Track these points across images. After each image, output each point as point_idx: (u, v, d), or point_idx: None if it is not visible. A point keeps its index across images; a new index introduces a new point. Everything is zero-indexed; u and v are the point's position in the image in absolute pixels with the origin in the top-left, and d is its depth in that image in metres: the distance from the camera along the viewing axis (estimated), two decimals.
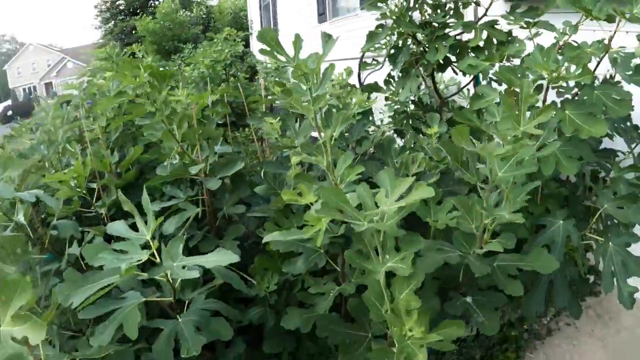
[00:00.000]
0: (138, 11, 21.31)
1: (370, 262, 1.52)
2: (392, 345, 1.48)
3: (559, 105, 1.96)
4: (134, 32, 18.93)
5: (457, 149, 1.71)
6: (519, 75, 1.97)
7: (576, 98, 2.01)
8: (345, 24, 7.80)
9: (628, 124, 2.31)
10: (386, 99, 3.31)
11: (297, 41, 1.68)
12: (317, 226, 1.50)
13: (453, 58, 2.94)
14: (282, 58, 1.67)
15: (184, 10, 17.50)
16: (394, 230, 1.46)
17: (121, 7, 23.49)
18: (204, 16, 17.38)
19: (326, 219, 1.50)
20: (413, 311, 1.38)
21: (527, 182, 1.66)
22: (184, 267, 1.55)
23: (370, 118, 2.83)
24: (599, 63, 2.04)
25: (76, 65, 36.83)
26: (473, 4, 3.09)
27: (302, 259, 1.83)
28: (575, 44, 2.07)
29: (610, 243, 1.90)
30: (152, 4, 22.77)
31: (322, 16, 8.94)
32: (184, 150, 2.38)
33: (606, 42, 1.98)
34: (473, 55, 2.74)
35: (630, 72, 1.94)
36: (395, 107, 3.28)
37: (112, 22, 23.33)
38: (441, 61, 2.89)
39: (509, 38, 2.66)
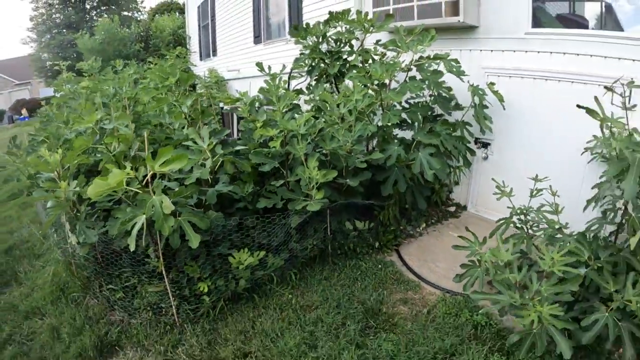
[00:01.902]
0: (74, 25, 21.89)
1: (300, 167, 3.60)
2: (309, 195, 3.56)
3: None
4: (70, 46, 19.47)
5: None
6: (369, 76, 4.18)
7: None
8: (277, 46, 9.77)
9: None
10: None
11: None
12: (276, 142, 3.56)
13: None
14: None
15: (122, 26, 18.29)
16: (305, 143, 3.56)
17: (57, 21, 23.93)
18: (142, 33, 18.14)
19: (280, 138, 3.56)
20: (317, 174, 3.47)
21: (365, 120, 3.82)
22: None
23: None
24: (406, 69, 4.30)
25: (2, 78, 36.00)
26: (356, 39, 5.31)
27: (268, 165, 3.86)
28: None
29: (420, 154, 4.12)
30: (90, 19, 23.36)
31: (257, 38, 10.78)
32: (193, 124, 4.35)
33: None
34: (355, 70, 4.91)
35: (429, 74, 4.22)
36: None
37: (48, 35, 23.75)
38: (338, 73, 5.06)
39: (380, 58, 4.87)
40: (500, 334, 3.33)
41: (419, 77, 4.67)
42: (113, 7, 26.28)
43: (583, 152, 3.82)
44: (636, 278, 2.80)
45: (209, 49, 14.66)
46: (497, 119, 4.95)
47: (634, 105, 3.14)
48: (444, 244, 4.73)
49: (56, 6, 24.25)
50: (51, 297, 4.20)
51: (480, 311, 3.54)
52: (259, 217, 3.83)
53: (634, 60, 3.94)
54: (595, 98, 3.07)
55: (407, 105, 4.90)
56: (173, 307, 3.54)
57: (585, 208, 3.57)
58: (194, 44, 16.30)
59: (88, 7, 25.22)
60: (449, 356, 3.17)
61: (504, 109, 4.82)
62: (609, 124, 3.00)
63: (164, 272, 3.33)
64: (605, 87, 3.15)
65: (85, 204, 3.54)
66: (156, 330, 3.58)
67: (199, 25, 15.43)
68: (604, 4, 4.67)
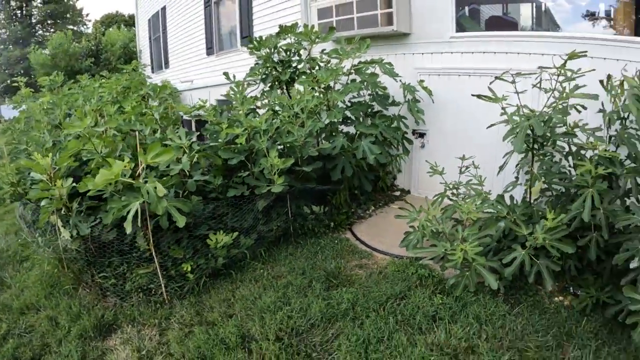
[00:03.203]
0: (21, 41, 21.60)
1: (263, 159, 4.29)
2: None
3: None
4: (18, 62, 19.25)
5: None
6: (316, 81, 4.91)
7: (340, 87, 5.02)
8: (229, 57, 10.39)
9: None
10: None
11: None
12: (241, 139, 4.24)
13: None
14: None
15: (73, 41, 18.31)
16: (266, 137, 4.26)
17: (4, 37, 23.47)
18: (93, 47, 18.29)
19: (244, 135, 4.25)
20: (278, 162, 4.17)
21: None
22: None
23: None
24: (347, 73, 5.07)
25: None
26: (304, 49, 6.06)
27: (235, 158, 4.53)
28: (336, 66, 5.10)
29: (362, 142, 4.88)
30: (38, 35, 23.02)
31: (210, 49, 11.34)
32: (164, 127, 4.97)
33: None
34: (304, 76, 5.65)
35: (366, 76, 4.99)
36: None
37: None
38: (289, 80, 5.79)
39: (325, 65, 5.62)
40: (442, 282, 4.08)
41: (358, 79, 5.48)
42: (59, 21, 25.96)
43: (489, 127, 4.55)
44: (545, 223, 3.59)
45: (160, 61, 14.98)
46: (430, 112, 5.83)
47: (525, 90, 4.03)
48: (391, 222, 5.51)
49: (1, 21, 23.77)
50: (44, 293, 4.55)
51: (420, 262, 4.34)
52: (229, 205, 4.50)
53: (542, 54, 4.84)
54: (489, 87, 3.96)
55: (349, 104, 5.70)
56: (162, 285, 4.13)
57: (498, 173, 4.35)
58: (145, 57, 16.45)
59: (34, 21, 24.82)
60: (399, 299, 3.90)
61: (433, 102, 5.71)
62: (502, 103, 3.87)
63: (154, 253, 3.93)
64: (496, 77, 4.04)
65: (76, 201, 4.08)
66: (148, 309, 4.09)
67: (150, 38, 15.66)
68: (534, 5, 5.72)
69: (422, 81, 5.67)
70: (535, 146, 4.09)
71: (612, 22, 5.07)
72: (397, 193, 6.45)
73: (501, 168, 4.24)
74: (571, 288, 3.96)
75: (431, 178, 4.57)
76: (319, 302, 3.87)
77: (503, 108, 3.93)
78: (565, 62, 3.83)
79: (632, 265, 3.22)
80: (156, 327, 3.89)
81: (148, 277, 4.21)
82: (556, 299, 3.91)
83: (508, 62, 5.08)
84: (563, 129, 4.02)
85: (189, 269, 4.18)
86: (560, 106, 3.93)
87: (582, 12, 5.34)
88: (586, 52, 3.82)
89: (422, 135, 6.12)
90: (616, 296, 3.44)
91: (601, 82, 3.94)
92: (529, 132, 3.87)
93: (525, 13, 6.12)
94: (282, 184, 4.34)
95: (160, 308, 4.11)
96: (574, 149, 3.99)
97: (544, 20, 5.70)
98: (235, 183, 4.67)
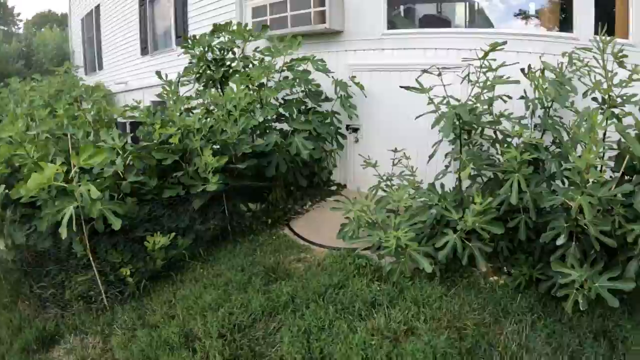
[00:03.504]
0: None
1: (197, 158, 4.32)
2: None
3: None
4: None
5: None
6: (249, 79, 4.97)
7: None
8: (164, 56, 10.20)
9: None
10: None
11: None
12: (175, 138, 4.24)
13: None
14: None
15: (3, 42, 17.39)
16: (200, 136, 4.29)
17: None
18: (24, 49, 17.53)
19: (178, 134, 4.25)
20: (212, 160, 4.21)
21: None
22: None
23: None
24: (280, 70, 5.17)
25: None
26: (238, 48, 6.09)
27: (169, 158, 4.52)
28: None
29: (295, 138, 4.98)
30: None
31: (144, 50, 11.07)
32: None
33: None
34: (237, 74, 5.68)
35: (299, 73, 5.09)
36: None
37: None
38: (223, 78, 5.81)
39: (259, 63, 5.67)
40: (379, 270, 4.20)
41: (291, 76, 5.57)
42: None
43: (417, 117, 4.49)
44: (474, 207, 3.80)
45: (94, 63, 14.44)
46: (364, 107, 6.02)
47: (450, 84, 4.25)
48: (328, 216, 5.56)
49: None
50: None
51: (356, 252, 4.47)
52: (166, 206, 4.51)
53: (470, 49, 4.89)
54: (417, 80, 4.15)
55: (283, 102, 5.79)
56: (102, 292, 4.07)
57: (428, 162, 4.51)
58: (78, 58, 15.72)
59: None
60: (338, 288, 4.00)
61: (366, 97, 5.89)
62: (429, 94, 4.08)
63: (91, 258, 3.88)
64: (423, 71, 4.25)
65: (10, 209, 3.97)
66: (90, 317, 4.03)
67: (83, 39, 15.05)
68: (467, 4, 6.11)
69: (354, 77, 5.83)
70: (465, 136, 4.33)
71: (540, 19, 5.44)
72: (334, 188, 6.58)
73: (431, 157, 4.45)
74: (505, 268, 4.21)
75: (366, 171, 4.73)
76: (259, 297, 3.94)
77: (430, 98, 4.15)
78: (487, 53, 4.09)
79: (559, 242, 3.49)
80: (99, 334, 3.86)
81: (87, 284, 4.15)
82: (491, 278, 4.15)
83: (437, 58, 5.33)
84: (490, 118, 4.29)
85: (128, 273, 4.15)
86: (486, 96, 4.20)
87: (514, 11, 5.74)
88: (506, 42, 4.09)
89: (356, 130, 6.28)
90: (547, 272, 3.68)
91: (522, 70, 4.22)
92: (456, 121, 4.09)
93: (459, 12, 6.43)
94: (217, 183, 4.38)
95: (102, 314, 4.07)
96: (500, 137, 4.26)
97: (478, 19, 6.02)
98: (170, 184, 4.67)
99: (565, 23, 5.11)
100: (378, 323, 3.54)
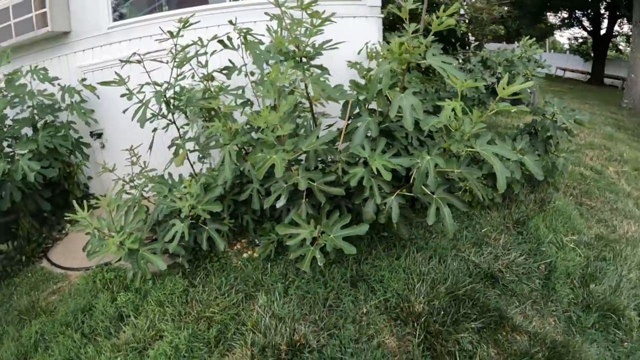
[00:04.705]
0: None
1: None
2: None
3: None
4: None
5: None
6: None
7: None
8: None
9: None
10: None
11: None
12: None
13: None
14: None
15: None
16: None
17: None
18: None
19: None
20: None
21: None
22: None
23: None
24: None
25: None
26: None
27: None
28: None
29: (21, 161, 4.38)
30: None
31: None
32: None
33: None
34: None
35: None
36: None
37: None
38: None
39: None
40: (126, 281, 3.96)
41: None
42: None
43: (124, 110, 4.42)
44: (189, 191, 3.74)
45: None
46: (102, 110, 5.55)
47: (157, 69, 4.09)
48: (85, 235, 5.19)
49: None
50: None
51: (108, 266, 4.21)
52: None
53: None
54: (116, 72, 3.91)
55: (12, 122, 5.06)
56: None
57: (148, 152, 4.41)
58: None
59: None
60: (85, 312, 3.71)
61: (99, 98, 5.43)
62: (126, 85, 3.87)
63: None
64: (123, 61, 4.03)
65: None
66: None
67: None
68: None
69: (84, 79, 5.32)
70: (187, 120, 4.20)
71: None
72: (94, 201, 6.06)
73: (150, 147, 4.28)
74: (256, 240, 4.24)
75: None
76: (10, 345, 3.51)
77: (128, 89, 3.94)
78: (179, 31, 3.99)
79: (279, 204, 3.53)
80: None
81: None
82: (244, 255, 4.14)
83: (165, 43, 5.08)
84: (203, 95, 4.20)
85: None
86: (201, 74, 4.10)
87: None
88: (193, 14, 4.10)
89: (100, 135, 5.79)
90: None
91: (221, 41, 4.16)
92: (163, 107, 3.94)
93: None
94: None
95: None
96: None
97: None
98: None
99: None
100: (126, 336, 3.36)
